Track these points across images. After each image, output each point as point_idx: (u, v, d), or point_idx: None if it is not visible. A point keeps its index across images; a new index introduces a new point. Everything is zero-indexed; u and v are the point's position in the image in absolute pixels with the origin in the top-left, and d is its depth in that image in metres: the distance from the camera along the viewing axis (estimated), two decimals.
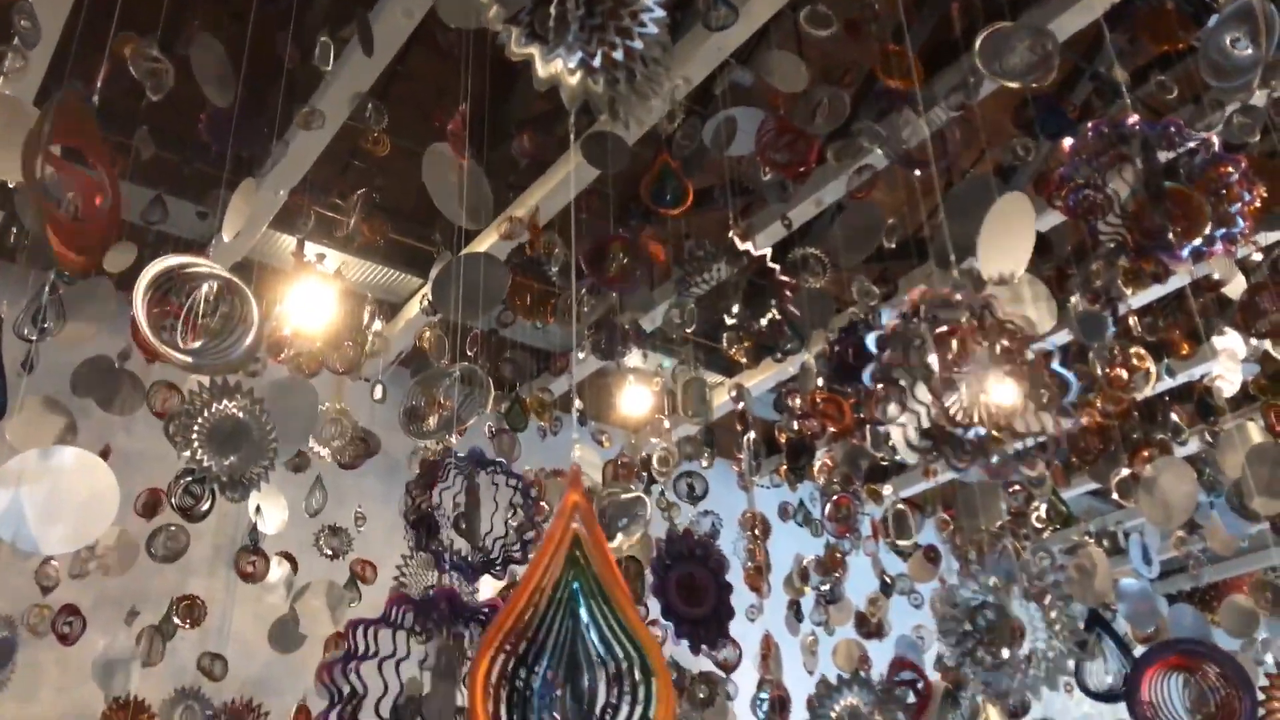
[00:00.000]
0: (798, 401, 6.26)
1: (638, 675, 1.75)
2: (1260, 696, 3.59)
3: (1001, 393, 5.05)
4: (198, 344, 2.87)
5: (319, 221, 6.62)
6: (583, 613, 1.75)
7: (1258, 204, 2.96)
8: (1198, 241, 2.80)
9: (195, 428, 3.37)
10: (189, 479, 4.66)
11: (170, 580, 6.63)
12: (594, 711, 1.76)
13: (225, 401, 3.40)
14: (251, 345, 2.94)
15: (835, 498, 5.85)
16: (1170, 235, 2.74)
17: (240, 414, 3.40)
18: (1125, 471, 5.41)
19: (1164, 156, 3.02)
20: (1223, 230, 2.82)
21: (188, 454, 3.36)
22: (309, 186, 6.60)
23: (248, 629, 7.00)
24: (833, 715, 3.88)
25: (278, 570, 6.31)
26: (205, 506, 4.76)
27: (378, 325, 7.01)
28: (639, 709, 1.74)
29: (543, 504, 5.83)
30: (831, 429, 5.66)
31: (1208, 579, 9.58)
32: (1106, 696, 4.50)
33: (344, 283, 6.59)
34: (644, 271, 5.80)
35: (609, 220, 5.71)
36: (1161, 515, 4.59)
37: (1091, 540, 5.72)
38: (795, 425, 6.29)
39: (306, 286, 6.03)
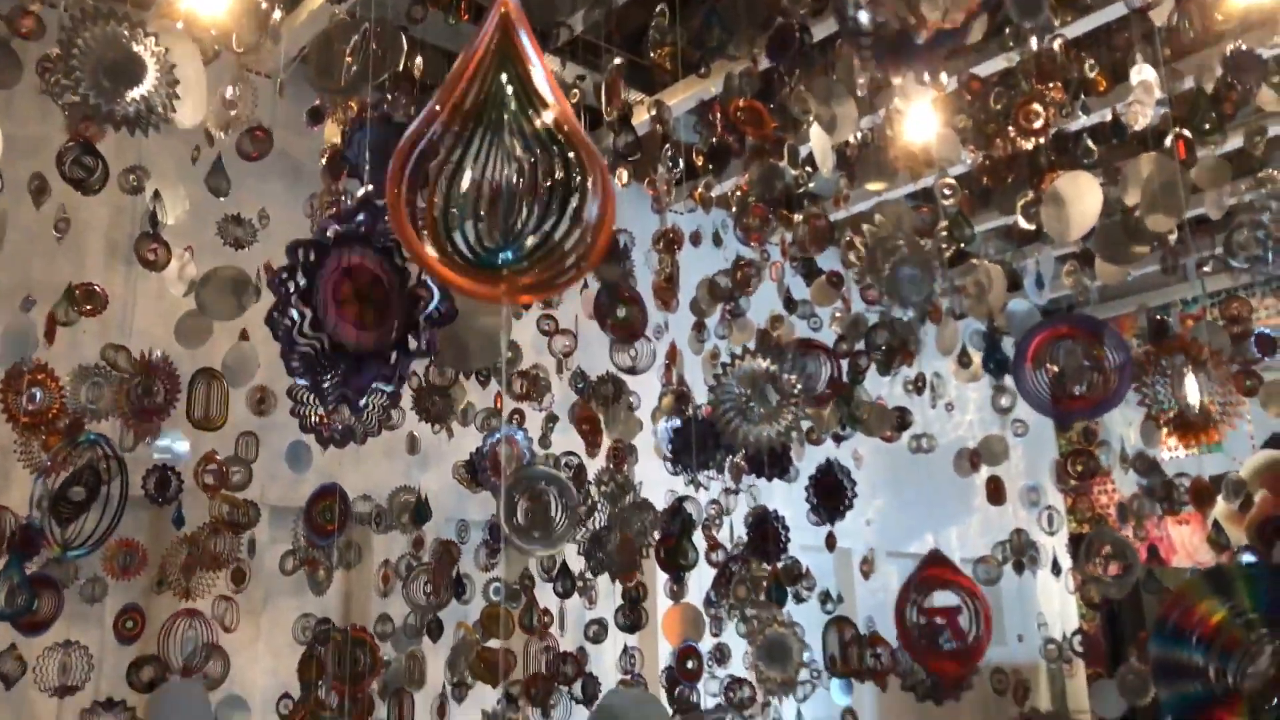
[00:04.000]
0: (718, 116, 6.15)
1: (569, 167, 1.69)
2: None
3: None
4: None
5: None
6: (509, 107, 1.67)
7: None
8: None
9: (75, 58, 3.05)
10: (79, 148, 4.37)
11: (65, 273, 6.44)
12: (523, 209, 1.71)
13: (111, 25, 3.10)
14: None
15: (750, 205, 5.88)
16: None
17: (131, 43, 3.10)
18: (1030, 195, 5.51)
19: None
20: None
21: (71, 92, 3.07)
22: None
23: (152, 325, 6.90)
24: (736, 383, 4.04)
25: (178, 265, 6.13)
26: (97, 179, 4.48)
27: (277, 14, 6.55)
28: (572, 201, 1.69)
29: None
30: (751, 138, 5.60)
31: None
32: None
33: None
34: None
35: None
36: (1062, 226, 4.73)
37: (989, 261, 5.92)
38: (714, 140, 6.22)
39: None
